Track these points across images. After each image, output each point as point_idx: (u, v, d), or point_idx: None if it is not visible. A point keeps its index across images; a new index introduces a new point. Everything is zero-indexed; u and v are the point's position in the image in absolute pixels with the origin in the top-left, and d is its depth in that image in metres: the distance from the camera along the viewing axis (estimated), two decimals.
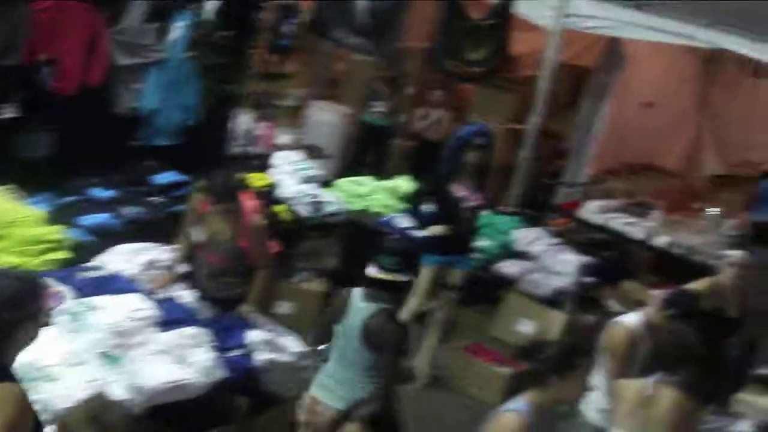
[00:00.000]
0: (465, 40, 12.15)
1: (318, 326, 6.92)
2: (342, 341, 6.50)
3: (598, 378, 6.94)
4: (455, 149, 9.20)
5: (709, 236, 11.17)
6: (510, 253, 10.49)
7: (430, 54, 12.65)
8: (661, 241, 11.21)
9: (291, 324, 8.76)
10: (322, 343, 6.77)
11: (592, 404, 6.98)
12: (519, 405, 5.22)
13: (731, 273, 8.25)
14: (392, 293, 6.49)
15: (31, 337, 4.44)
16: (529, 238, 10.56)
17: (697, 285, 8.17)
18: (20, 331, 4.35)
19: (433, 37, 12.48)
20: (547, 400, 5.26)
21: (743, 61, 12.82)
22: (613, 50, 12.65)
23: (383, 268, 6.44)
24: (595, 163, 13.12)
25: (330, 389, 6.51)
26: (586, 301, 9.97)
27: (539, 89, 11.85)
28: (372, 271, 6.48)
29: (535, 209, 11.94)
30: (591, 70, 13.15)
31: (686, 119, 14.54)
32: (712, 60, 13.91)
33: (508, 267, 10.31)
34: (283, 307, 9.73)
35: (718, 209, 11.83)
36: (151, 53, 9.62)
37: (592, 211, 11.67)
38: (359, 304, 6.44)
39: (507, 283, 10.24)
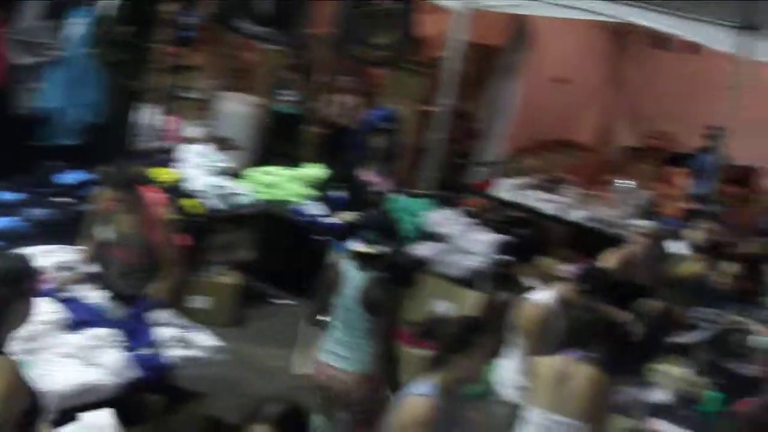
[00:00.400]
0: (370, 25, 12.13)
1: (315, 300, 7.07)
2: (343, 310, 6.78)
3: (513, 355, 6.97)
4: (362, 135, 9.17)
5: (623, 208, 11.25)
6: (423, 235, 10.47)
7: (335, 40, 12.60)
8: (577, 215, 11.28)
9: (206, 318, 8.73)
10: (321, 315, 6.96)
11: (508, 382, 7.00)
12: (425, 387, 5.19)
13: (641, 243, 8.30)
14: (379, 262, 6.78)
15: (24, 315, 4.55)
16: (441, 219, 10.56)
17: (608, 257, 8.21)
18: (14, 308, 4.47)
19: (338, 22, 12.43)
20: (453, 379, 5.23)
21: (652, 35, 12.93)
22: (520, 28, 12.69)
23: (367, 241, 6.74)
24: (509, 141, 13.17)
25: (341, 355, 6.77)
26: (502, 280, 9.98)
27: (447, 70, 11.84)
28: (357, 245, 6.77)
29: (449, 190, 11.95)
30: (500, 48, 13.18)
31: (597, 93, 14.68)
32: (621, 34, 14.04)
33: (422, 249, 10.29)
34: (198, 301, 9.68)
35: (632, 181, 11.90)
36: (49, 51, 9.47)
37: (506, 189, 11.70)
38: (353, 274, 6.74)
39: (421, 265, 10.22)
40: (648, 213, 10.73)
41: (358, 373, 6.69)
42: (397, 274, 9.87)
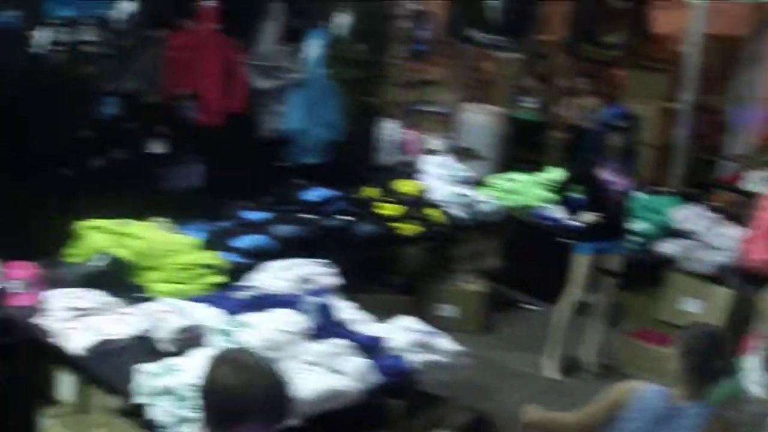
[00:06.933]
0: (602, 25, 12.05)
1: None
2: None
3: (761, 352, 6.81)
4: (598, 134, 9.09)
5: None
6: (669, 232, 10.29)
7: (568, 42, 12.56)
8: None
9: (456, 325, 8.89)
10: None
11: (758, 379, 6.83)
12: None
13: None
14: None
15: None
16: (687, 215, 10.35)
17: None
18: None
19: (570, 24, 12.40)
20: None
21: None
22: (763, 16, 12.33)
23: None
24: (757, 133, 12.78)
25: None
26: (749, 275, 9.68)
27: (688, 65, 11.64)
28: None
29: (697, 186, 11.70)
30: (743, 38, 12.83)
31: None
32: None
33: (668, 247, 10.11)
34: (446, 310, 9.80)
35: None
36: (287, 75, 9.81)
37: (754, 182, 11.35)
38: None
39: (668, 263, 10.04)
40: None
41: None
42: (644, 273, 9.83)
